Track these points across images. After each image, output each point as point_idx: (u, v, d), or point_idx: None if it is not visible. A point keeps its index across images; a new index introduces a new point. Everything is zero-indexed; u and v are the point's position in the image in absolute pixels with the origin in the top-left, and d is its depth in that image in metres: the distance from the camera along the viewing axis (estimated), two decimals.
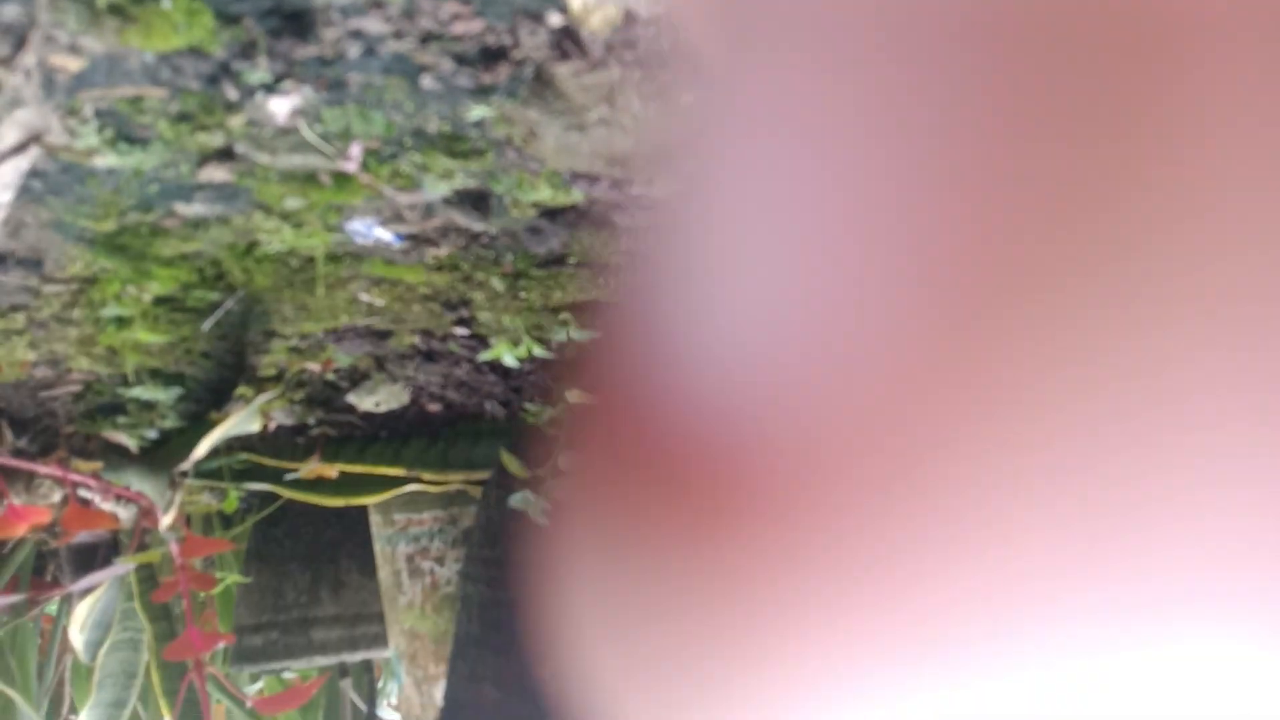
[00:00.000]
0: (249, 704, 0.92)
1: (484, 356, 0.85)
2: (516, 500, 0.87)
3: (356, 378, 0.93)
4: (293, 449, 0.93)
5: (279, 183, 0.68)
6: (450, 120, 0.63)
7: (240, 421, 0.77)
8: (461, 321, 0.87)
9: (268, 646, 1.03)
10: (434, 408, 0.96)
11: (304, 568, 1.06)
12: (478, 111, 0.62)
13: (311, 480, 0.91)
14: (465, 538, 0.97)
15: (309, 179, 0.69)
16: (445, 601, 0.95)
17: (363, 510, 1.10)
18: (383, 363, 0.93)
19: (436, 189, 0.69)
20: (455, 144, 0.66)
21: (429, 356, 0.93)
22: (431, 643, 0.95)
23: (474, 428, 0.95)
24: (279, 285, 0.79)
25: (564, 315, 0.87)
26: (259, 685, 1.08)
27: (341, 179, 0.69)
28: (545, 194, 0.73)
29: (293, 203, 0.70)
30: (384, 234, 0.76)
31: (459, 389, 0.96)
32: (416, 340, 0.90)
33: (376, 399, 0.92)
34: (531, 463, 0.91)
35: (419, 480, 0.93)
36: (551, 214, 0.77)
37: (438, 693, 0.93)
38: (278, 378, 0.89)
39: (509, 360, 0.83)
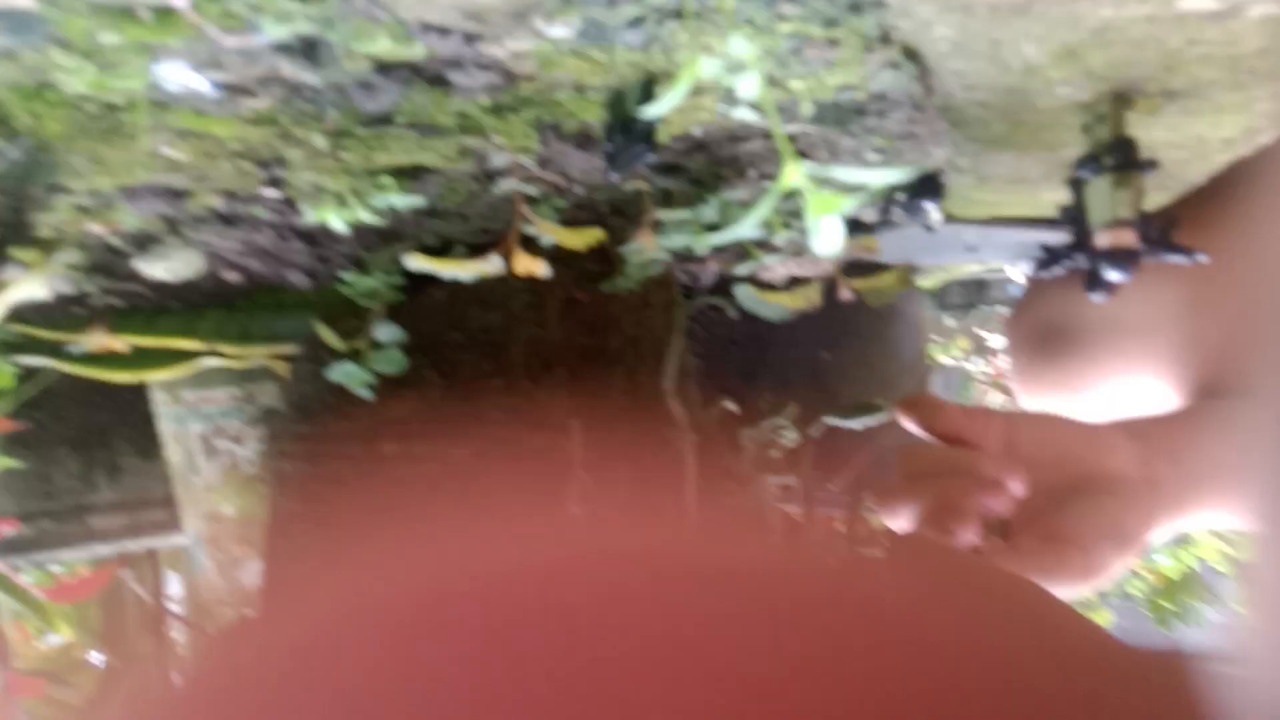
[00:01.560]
0: (39, 595, 0.84)
1: (306, 220, 0.80)
2: (336, 374, 0.83)
3: (144, 241, 0.85)
4: (72, 320, 0.84)
5: (89, 15, 0.60)
6: None
7: (26, 288, 0.69)
8: (274, 182, 0.81)
9: (40, 536, 0.94)
10: (231, 276, 0.89)
11: (74, 452, 0.97)
12: None
13: (97, 355, 0.83)
14: (266, 416, 0.91)
15: (124, 13, 0.61)
16: (248, 482, 0.90)
17: (136, 391, 1.01)
18: (176, 226, 0.85)
19: (273, 32, 0.64)
20: None
21: (228, 220, 0.86)
22: (236, 525, 0.90)
23: (276, 299, 0.89)
24: (72, 134, 0.70)
25: (384, 179, 0.83)
26: (29, 580, 0.99)
27: (164, 15, 0.62)
28: (384, 45, 0.68)
29: (103, 39, 0.62)
30: (198, 81, 0.69)
31: (260, 257, 0.89)
32: (216, 202, 0.83)
33: (169, 264, 0.84)
34: (346, 335, 0.87)
35: (218, 354, 0.87)
36: (385, 69, 0.73)
37: (244, 575, 0.88)
38: (54, 240, 0.80)
39: (337, 224, 0.78)
